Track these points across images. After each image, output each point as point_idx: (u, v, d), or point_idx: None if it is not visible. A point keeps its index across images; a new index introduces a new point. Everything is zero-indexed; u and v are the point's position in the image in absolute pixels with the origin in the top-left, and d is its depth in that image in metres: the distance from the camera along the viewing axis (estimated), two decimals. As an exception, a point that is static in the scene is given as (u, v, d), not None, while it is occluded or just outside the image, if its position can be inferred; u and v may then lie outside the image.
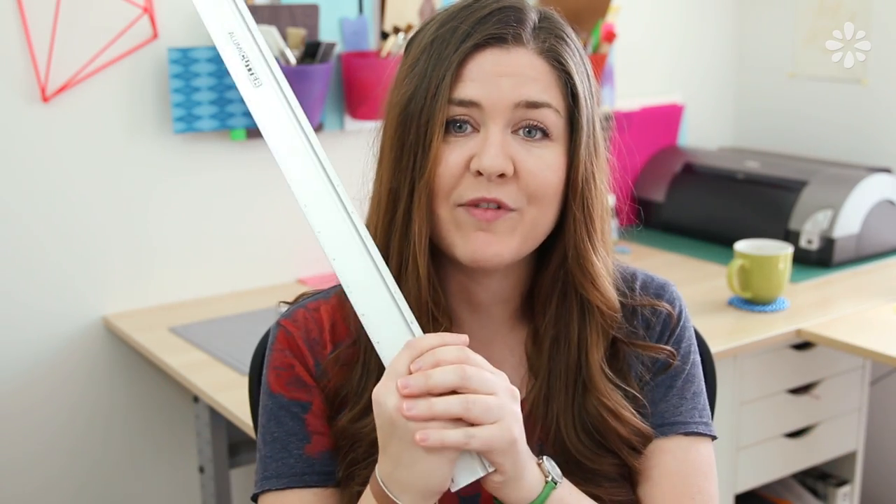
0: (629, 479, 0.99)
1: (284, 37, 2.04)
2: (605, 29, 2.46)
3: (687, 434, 0.99)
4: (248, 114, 2.10)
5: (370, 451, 0.94)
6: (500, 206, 0.89)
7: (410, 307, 0.88)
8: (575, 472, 0.95)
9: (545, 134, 0.90)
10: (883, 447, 2.53)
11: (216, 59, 2.03)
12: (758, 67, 2.87)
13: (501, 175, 0.88)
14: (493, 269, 0.93)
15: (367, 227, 0.94)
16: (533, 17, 0.92)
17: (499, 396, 0.81)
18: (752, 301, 2.01)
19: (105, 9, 1.94)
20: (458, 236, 0.90)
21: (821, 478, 2.28)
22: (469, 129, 0.90)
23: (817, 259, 2.27)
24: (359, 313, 0.84)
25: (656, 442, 0.99)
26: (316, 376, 0.97)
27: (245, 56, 0.90)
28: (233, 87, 2.06)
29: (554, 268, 0.96)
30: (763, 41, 2.84)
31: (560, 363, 0.96)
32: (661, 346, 1.00)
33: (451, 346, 0.82)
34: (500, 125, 0.88)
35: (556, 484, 0.87)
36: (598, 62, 2.46)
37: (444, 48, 0.90)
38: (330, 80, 2.13)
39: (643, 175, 2.69)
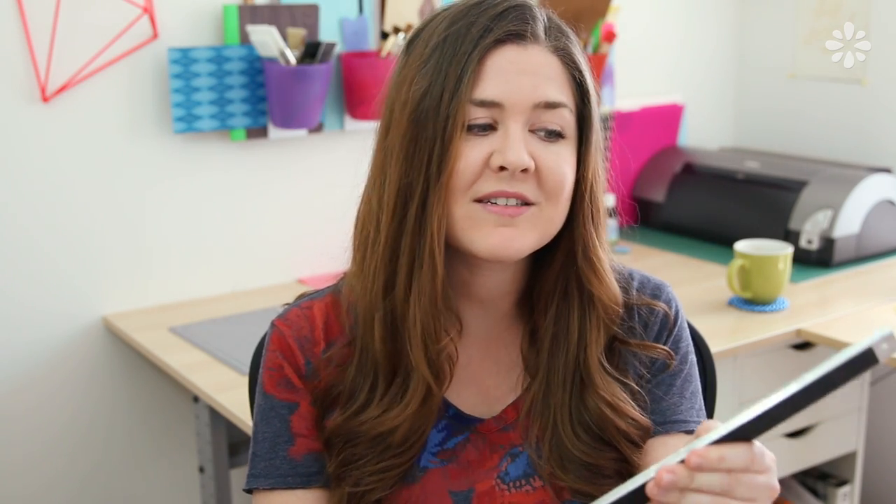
0: (628, 476, 0.98)
1: (284, 37, 2.04)
2: (605, 29, 2.46)
3: (687, 432, 0.99)
4: (247, 114, 2.10)
5: (365, 452, 0.95)
6: (521, 202, 0.90)
7: (423, 305, 0.90)
8: (570, 468, 0.95)
9: (560, 134, 0.92)
10: (883, 447, 2.53)
11: (216, 59, 2.03)
12: (758, 67, 2.87)
13: (524, 170, 0.89)
14: (510, 262, 0.94)
15: (364, 227, 0.94)
16: (542, 15, 0.94)
17: None
18: (752, 301, 2.01)
19: (105, 9, 1.94)
20: (476, 231, 0.90)
21: (821, 478, 2.28)
22: (490, 130, 0.90)
23: (817, 259, 2.27)
24: None
25: (657, 439, 0.99)
26: (306, 375, 0.98)
27: None
28: (233, 86, 2.07)
29: (558, 265, 0.97)
30: (763, 41, 2.84)
31: (559, 360, 0.97)
32: (659, 345, 1.01)
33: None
34: (520, 123, 0.90)
35: None
36: (598, 62, 2.46)
37: (461, 45, 0.90)
38: (330, 80, 2.13)
39: (643, 175, 2.69)
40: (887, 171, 2.44)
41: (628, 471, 0.97)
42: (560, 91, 0.91)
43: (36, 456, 2.03)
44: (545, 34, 0.92)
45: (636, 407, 0.97)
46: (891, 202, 2.35)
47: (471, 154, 0.89)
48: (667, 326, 1.02)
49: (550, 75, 0.91)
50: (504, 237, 0.90)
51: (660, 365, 1.01)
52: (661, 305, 1.02)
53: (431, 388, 0.93)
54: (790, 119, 2.80)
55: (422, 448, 0.96)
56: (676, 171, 2.64)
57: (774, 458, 0.77)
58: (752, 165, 2.54)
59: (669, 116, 2.77)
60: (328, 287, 1.03)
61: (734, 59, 2.92)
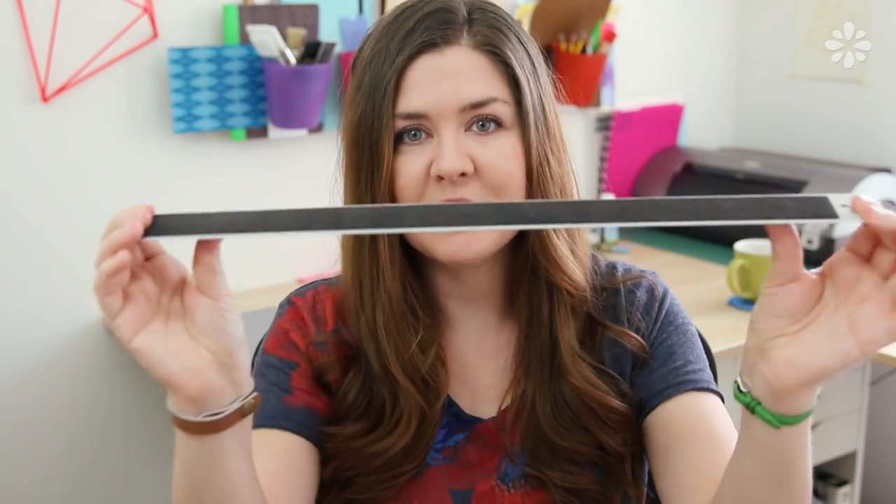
0: (604, 467, 0.97)
1: (284, 37, 2.04)
2: (605, 29, 2.46)
3: (697, 389, 0.96)
4: (247, 114, 2.10)
5: (365, 465, 0.95)
6: None
7: (387, 321, 0.92)
8: (541, 450, 0.95)
9: (498, 124, 0.90)
10: (883, 447, 2.53)
11: (216, 59, 2.03)
12: (758, 67, 2.87)
13: (462, 174, 0.88)
14: (477, 263, 0.93)
15: (342, 242, 0.96)
16: (462, 12, 0.92)
17: None
18: (752, 301, 2.01)
19: (105, 9, 1.94)
20: (435, 242, 0.91)
21: (821, 478, 2.28)
22: (423, 135, 0.90)
23: (817, 259, 2.23)
24: None
25: (664, 406, 0.95)
26: (315, 343, 0.99)
27: None
28: (233, 86, 2.06)
29: (524, 251, 0.96)
30: (763, 41, 2.84)
31: (535, 341, 0.97)
32: (632, 333, 0.99)
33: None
34: (451, 128, 0.89)
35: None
36: (598, 62, 2.46)
37: (381, 66, 0.90)
38: (330, 80, 2.13)
39: (643, 175, 2.69)
40: (887, 171, 2.44)
41: (606, 460, 0.96)
42: (488, 86, 0.89)
43: (33, 455, 2.03)
44: (465, 32, 0.91)
45: (612, 393, 0.96)
46: (891, 202, 2.35)
47: (410, 168, 0.89)
48: (655, 296, 1.01)
49: (472, 73, 0.89)
50: (460, 243, 0.90)
51: (655, 341, 0.99)
52: (646, 276, 1.02)
53: (425, 409, 0.94)
54: (790, 119, 2.80)
55: (428, 451, 0.96)
56: (676, 171, 2.64)
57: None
58: (752, 165, 2.54)
59: (669, 116, 2.77)
60: (337, 276, 1.04)
61: (734, 59, 2.92)
